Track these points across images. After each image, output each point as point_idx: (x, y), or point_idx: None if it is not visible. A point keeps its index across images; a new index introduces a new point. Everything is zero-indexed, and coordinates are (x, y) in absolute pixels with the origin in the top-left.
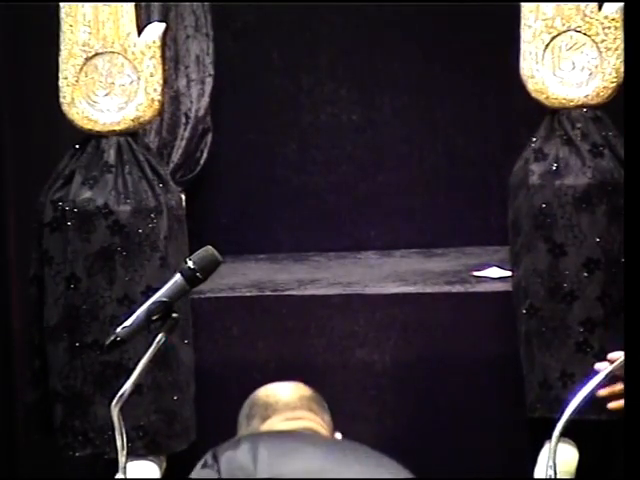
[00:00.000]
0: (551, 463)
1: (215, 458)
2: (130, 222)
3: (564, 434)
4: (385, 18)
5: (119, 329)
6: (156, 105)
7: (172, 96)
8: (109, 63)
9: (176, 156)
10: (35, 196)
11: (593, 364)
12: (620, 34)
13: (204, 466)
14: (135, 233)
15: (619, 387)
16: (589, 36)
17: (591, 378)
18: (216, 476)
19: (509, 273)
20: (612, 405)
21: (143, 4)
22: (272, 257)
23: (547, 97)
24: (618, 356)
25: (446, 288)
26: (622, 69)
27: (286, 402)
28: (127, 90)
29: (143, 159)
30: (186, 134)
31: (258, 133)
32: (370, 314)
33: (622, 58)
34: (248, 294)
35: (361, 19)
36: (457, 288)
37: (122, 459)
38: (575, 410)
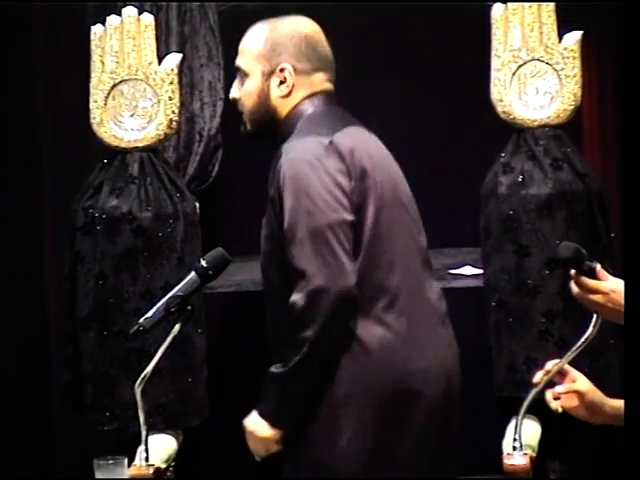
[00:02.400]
0: (517, 436)
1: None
2: (151, 227)
3: (528, 411)
4: (373, 51)
5: (142, 320)
6: (174, 125)
7: (188, 117)
8: (133, 88)
9: (191, 169)
10: (69, 204)
11: (554, 350)
12: (578, 63)
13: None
14: (155, 236)
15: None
16: (550, 65)
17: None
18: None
19: (481, 271)
20: (555, 405)
21: (163, 37)
22: None
23: (514, 118)
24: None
25: None
26: (579, 94)
27: (331, 60)
28: (149, 112)
29: (162, 172)
30: (200, 150)
31: (263, 149)
32: None
33: (580, 84)
34: (253, 289)
35: (352, 54)
36: (435, 284)
37: (144, 432)
38: (538, 391)
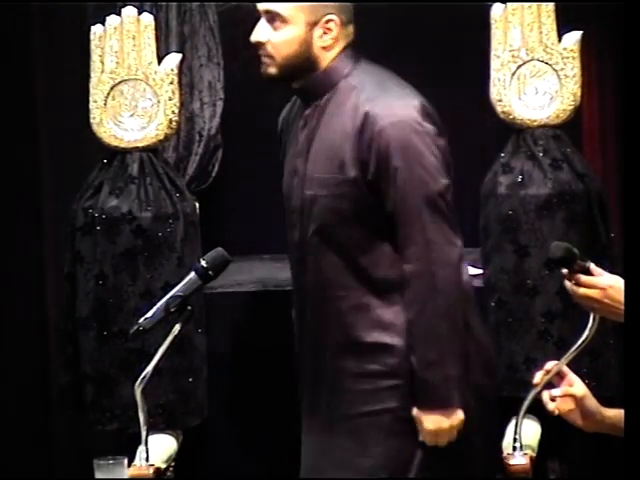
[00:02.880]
0: (517, 436)
1: None
2: (151, 227)
3: (528, 411)
4: (373, 51)
5: (141, 320)
6: (173, 125)
7: (187, 117)
8: (133, 88)
9: (191, 169)
10: (69, 204)
11: (553, 350)
12: (577, 63)
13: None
14: (155, 236)
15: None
16: (550, 65)
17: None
18: None
19: (481, 271)
20: (551, 407)
21: (162, 37)
22: (275, 257)
23: (513, 118)
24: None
25: None
26: (579, 94)
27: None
28: (148, 112)
29: (162, 172)
30: (200, 150)
31: (262, 149)
32: None
33: (579, 84)
34: (254, 289)
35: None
36: None
37: (144, 432)
38: (537, 391)
